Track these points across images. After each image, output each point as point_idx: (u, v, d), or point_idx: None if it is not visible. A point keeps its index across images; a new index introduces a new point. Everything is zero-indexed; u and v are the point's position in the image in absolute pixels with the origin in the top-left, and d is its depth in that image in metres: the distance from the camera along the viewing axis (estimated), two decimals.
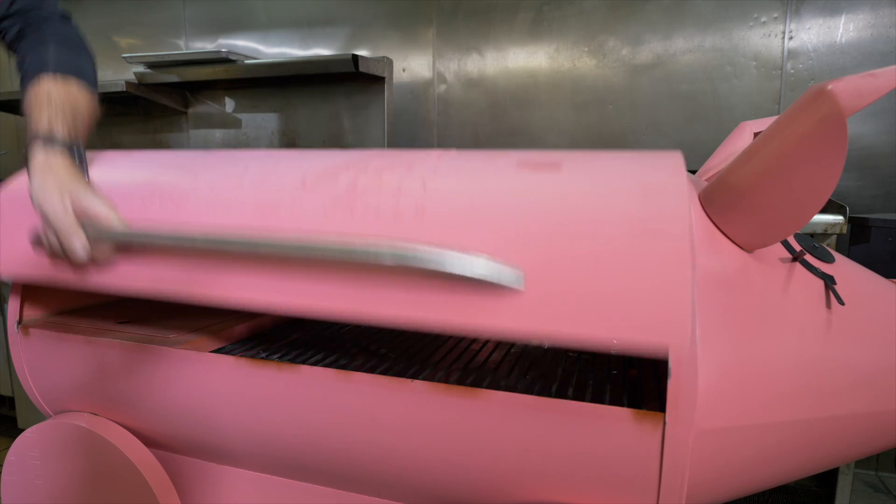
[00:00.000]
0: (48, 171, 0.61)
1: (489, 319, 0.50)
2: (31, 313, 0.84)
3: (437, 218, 0.56)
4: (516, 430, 0.55)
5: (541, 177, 0.56)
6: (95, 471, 0.77)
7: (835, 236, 1.24)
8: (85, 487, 0.78)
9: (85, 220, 0.58)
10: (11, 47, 0.77)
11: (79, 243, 0.57)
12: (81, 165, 0.67)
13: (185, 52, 2.09)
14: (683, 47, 1.67)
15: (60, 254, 0.58)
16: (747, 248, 0.58)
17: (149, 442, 0.77)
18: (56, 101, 0.69)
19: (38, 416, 0.84)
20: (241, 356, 0.68)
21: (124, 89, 1.90)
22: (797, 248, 0.62)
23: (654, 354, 0.47)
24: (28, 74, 0.71)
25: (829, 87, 0.46)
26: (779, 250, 0.61)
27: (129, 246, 0.59)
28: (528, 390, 0.56)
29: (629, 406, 0.52)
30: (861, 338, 0.57)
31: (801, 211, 0.52)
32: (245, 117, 2.03)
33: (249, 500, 0.75)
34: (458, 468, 0.59)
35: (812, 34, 1.57)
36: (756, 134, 0.83)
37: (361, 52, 1.86)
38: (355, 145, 1.84)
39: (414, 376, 0.60)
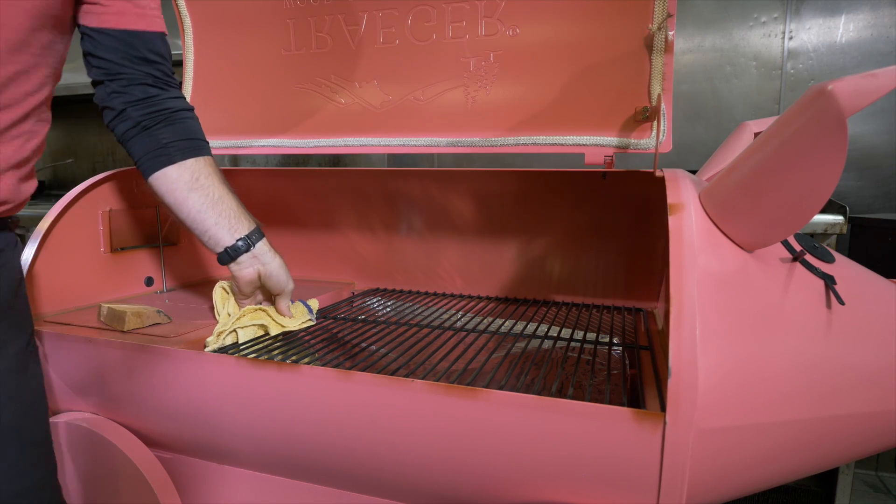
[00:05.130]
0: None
1: None
2: (32, 313, 0.84)
3: None
4: (516, 430, 0.55)
5: None
6: (96, 470, 0.77)
7: (835, 236, 1.24)
8: (86, 487, 0.78)
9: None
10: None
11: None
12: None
13: None
14: (683, 47, 1.67)
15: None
16: (747, 248, 0.58)
17: (149, 442, 0.78)
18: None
19: None
20: (241, 356, 0.68)
21: None
22: (797, 248, 0.62)
23: None
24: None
25: (829, 87, 0.46)
26: (779, 250, 0.61)
27: None
28: (528, 390, 0.56)
29: (629, 406, 0.52)
30: (861, 338, 0.57)
31: (801, 211, 0.52)
32: None
33: (249, 499, 0.75)
34: (458, 468, 0.59)
35: (812, 34, 1.57)
36: (757, 134, 0.83)
37: None
38: None
39: (414, 376, 0.60)
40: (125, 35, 0.69)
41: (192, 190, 0.74)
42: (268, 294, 0.81)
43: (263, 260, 0.77)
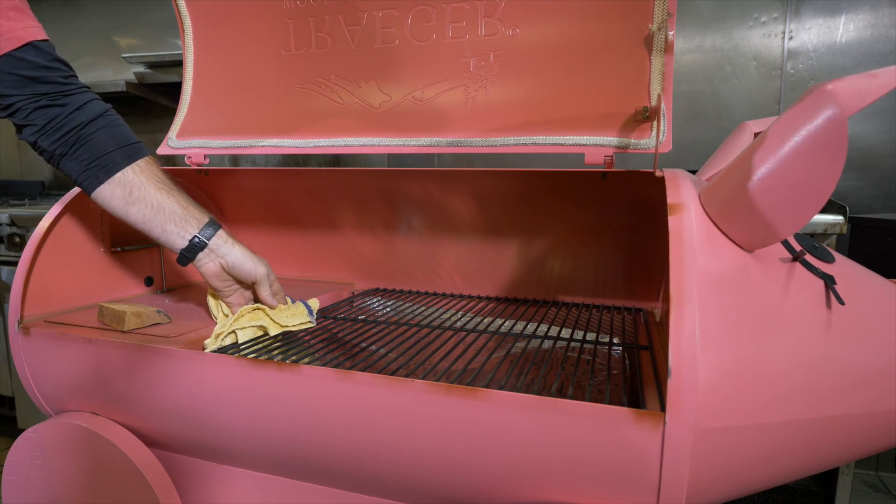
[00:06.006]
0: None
1: None
2: (32, 313, 0.84)
3: None
4: (516, 430, 0.55)
5: None
6: (96, 471, 0.77)
7: (835, 236, 1.24)
8: (85, 487, 0.78)
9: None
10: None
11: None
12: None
13: None
14: (683, 47, 1.67)
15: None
16: (747, 248, 0.58)
17: (149, 442, 0.78)
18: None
19: (38, 416, 0.84)
20: (240, 356, 0.68)
21: (124, 89, 1.90)
22: (797, 248, 0.62)
23: None
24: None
25: (829, 87, 0.46)
26: (779, 250, 0.61)
27: None
28: (528, 390, 0.56)
29: (629, 406, 0.52)
30: (861, 338, 0.58)
31: (801, 211, 0.52)
32: None
33: (250, 499, 0.75)
34: (457, 468, 0.59)
35: (812, 34, 1.57)
36: (756, 134, 0.83)
37: None
38: None
39: (414, 376, 0.60)
40: None
41: (129, 204, 0.73)
42: (247, 287, 0.80)
43: (220, 252, 0.76)
